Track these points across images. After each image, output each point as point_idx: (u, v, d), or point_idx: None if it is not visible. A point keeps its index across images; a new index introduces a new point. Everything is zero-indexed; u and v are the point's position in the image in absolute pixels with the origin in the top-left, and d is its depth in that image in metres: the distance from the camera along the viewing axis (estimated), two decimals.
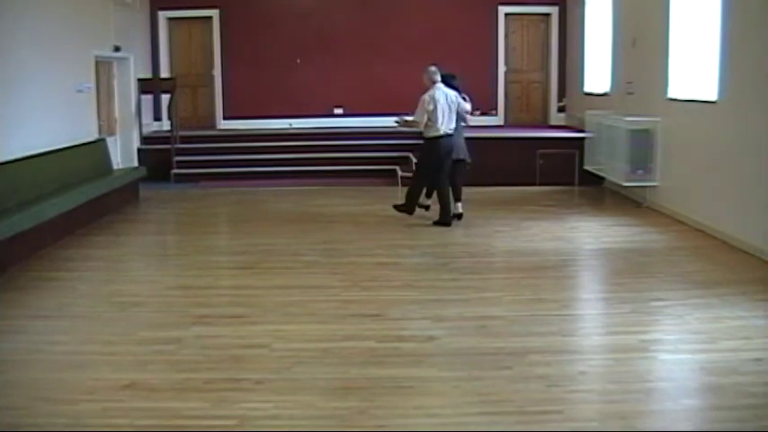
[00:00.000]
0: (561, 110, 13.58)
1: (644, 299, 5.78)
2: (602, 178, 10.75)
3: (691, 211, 8.34)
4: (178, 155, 12.23)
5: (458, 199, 8.81)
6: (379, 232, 8.30)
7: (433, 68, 8.53)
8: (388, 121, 9.15)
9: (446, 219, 8.48)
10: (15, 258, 6.89)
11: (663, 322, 5.35)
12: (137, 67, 12.38)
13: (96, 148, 10.17)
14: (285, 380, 4.37)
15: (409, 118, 8.58)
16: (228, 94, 13.62)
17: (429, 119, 8.36)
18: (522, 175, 11.09)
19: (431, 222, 8.57)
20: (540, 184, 11.04)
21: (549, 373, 4.42)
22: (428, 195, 8.92)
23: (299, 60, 13.44)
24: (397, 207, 8.78)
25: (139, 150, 12.30)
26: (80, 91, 10.01)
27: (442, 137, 8.39)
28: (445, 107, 8.35)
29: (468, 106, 8.75)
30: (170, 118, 12.54)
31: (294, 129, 13.12)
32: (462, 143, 8.83)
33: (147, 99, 12.89)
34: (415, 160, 9.99)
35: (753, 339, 4.91)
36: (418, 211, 8.78)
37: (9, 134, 8.00)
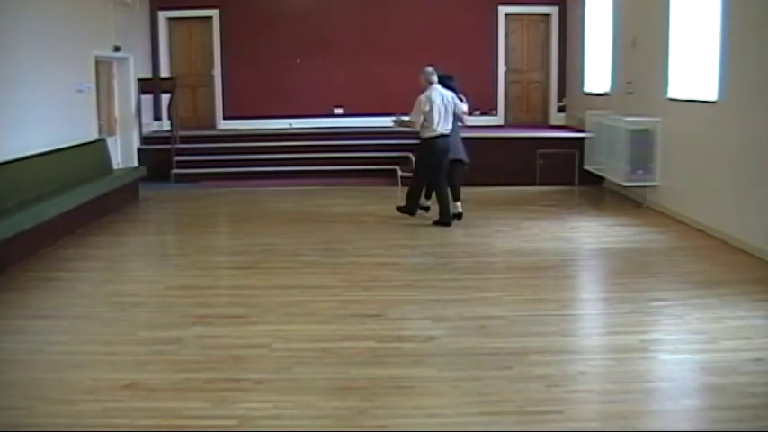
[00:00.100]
0: (561, 110, 13.58)
1: (644, 299, 5.78)
2: (602, 178, 10.75)
3: (691, 211, 8.34)
4: (178, 155, 12.23)
5: (457, 198, 8.81)
6: (379, 232, 8.31)
7: (429, 69, 8.55)
8: (388, 122, 9.16)
9: (446, 219, 8.48)
10: (15, 258, 6.89)
11: (663, 322, 5.35)
12: (137, 67, 12.38)
13: (96, 148, 10.17)
14: (285, 380, 4.37)
15: (406, 118, 8.60)
16: (228, 94, 13.62)
17: (425, 119, 8.38)
18: (522, 175, 11.09)
19: (431, 222, 8.58)
20: (540, 184, 11.04)
21: (549, 373, 4.42)
22: (427, 196, 8.93)
23: (299, 60, 13.44)
24: (399, 209, 8.82)
25: (139, 150, 12.30)
26: (80, 91, 10.01)
27: (438, 137, 8.40)
28: (441, 108, 8.36)
29: (464, 107, 8.76)
30: (170, 118, 12.54)
31: (294, 129, 13.11)
32: (459, 143, 8.84)
33: (147, 99, 12.89)
34: (414, 160, 9.99)
35: (753, 339, 4.91)
36: (418, 211, 8.79)
37: (9, 134, 8.00)
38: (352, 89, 13.37)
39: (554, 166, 11.10)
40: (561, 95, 13.62)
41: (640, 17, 9.88)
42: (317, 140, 12.58)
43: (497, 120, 13.63)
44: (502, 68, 13.70)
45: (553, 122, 13.55)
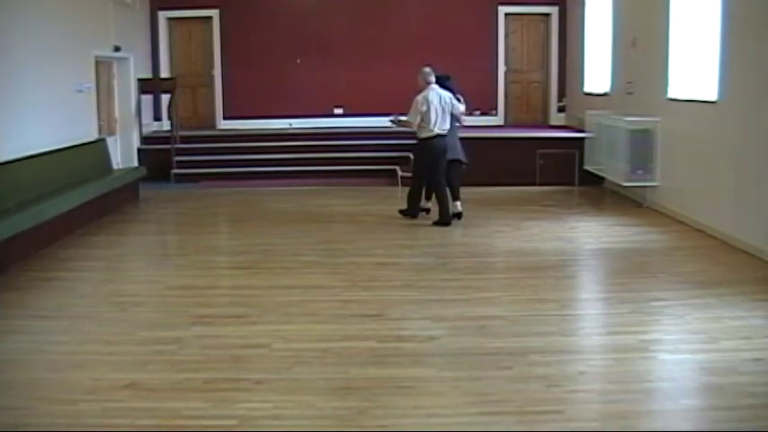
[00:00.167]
0: (561, 110, 13.58)
1: (644, 299, 5.78)
2: (602, 178, 10.75)
3: (691, 211, 8.34)
4: (178, 155, 12.23)
5: (456, 198, 8.82)
6: (379, 232, 8.31)
7: (427, 69, 8.56)
8: (387, 121, 9.17)
9: (446, 218, 8.48)
10: (15, 258, 6.89)
11: (663, 322, 5.35)
12: (137, 67, 12.38)
13: (96, 148, 10.17)
14: (285, 380, 4.37)
15: (404, 118, 8.61)
16: (228, 94, 13.62)
17: (422, 120, 8.39)
18: (522, 175, 11.09)
19: (431, 222, 8.58)
20: (540, 184, 11.04)
21: (549, 373, 4.42)
22: (427, 198, 8.93)
23: (298, 60, 13.44)
24: (401, 212, 8.83)
25: (139, 150, 12.29)
26: (80, 91, 10.01)
27: (434, 137, 8.41)
28: (438, 108, 8.37)
29: (462, 107, 8.77)
30: (170, 118, 12.54)
31: (294, 129, 13.11)
32: (457, 143, 8.84)
33: (147, 99, 12.89)
34: (413, 161, 10.00)
35: (753, 339, 4.91)
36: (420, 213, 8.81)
37: (9, 134, 8.00)
38: (352, 89, 13.36)
39: (554, 166, 11.10)
40: (561, 95, 13.62)
41: (640, 17, 9.88)
42: (317, 140, 12.58)
43: (497, 120, 13.63)
44: (502, 68, 13.70)
45: (553, 122, 13.55)
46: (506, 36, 13.68)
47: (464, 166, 8.93)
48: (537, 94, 13.90)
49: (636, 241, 7.85)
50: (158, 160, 11.95)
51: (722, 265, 6.78)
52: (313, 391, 4.21)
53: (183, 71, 13.54)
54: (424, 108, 8.34)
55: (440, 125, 8.41)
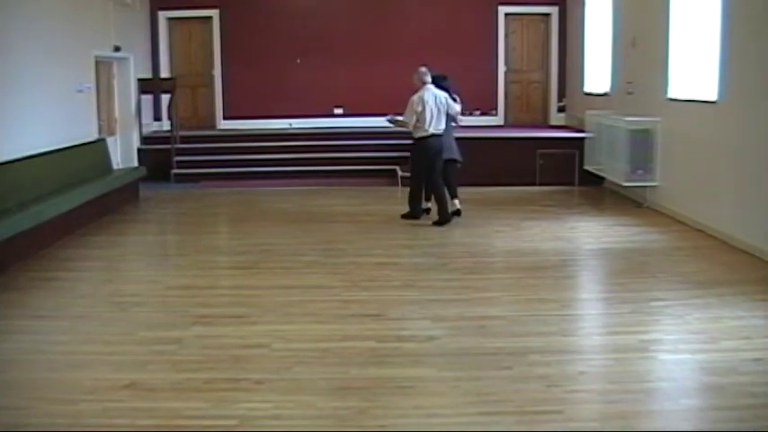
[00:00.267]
0: (561, 110, 13.58)
1: (644, 299, 5.78)
2: (602, 178, 10.75)
3: (691, 211, 8.34)
4: (178, 155, 12.23)
5: (454, 196, 8.84)
6: (379, 232, 8.31)
7: (423, 69, 8.57)
8: (383, 121, 9.18)
9: (445, 217, 8.49)
10: (15, 258, 6.89)
11: (663, 322, 5.35)
12: (137, 67, 12.38)
13: (96, 148, 10.17)
14: (285, 380, 4.37)
15: (400, 118, 8.62)
16: (228, 94, 13.62)
17: (417, 120, 8.40)
18: (522, 175, 11.08)
19: (431, 222, 8.58)
20: (540, 184, 11.04)
21: (549, 373, 4.42)
22: (427, 198, 8.94)
23: (299, 60, 13.44)
24: (404, 216, 8.81)
25: (139, 150, 12.29)
26: (80, 91, 10.01)
27: (430, 137, 8.42)
28: (434, 108, 8.38)
29: (458, 107, 8.78)
30: (170, 118, 12.54)
31: (294, 129, 13.11)
32: (453, 143, 8.86)
33: (147, 99, 12.89)
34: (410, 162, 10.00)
35: (753, 339, 4.91)
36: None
37: (9, 134, 8.00)
38: (351, 89, 13.36)
39: (554, 166, 11.10)
40: (561, 95, 13.61)
41: (640, 17, 9.88)
42: (317, 140, 12.58)
43: (497, 120, 13.63)
44: (502, 68, 13.70)
45: (553, 122, 13.55)
46: (506, 36, 13.68)
47: (459, 165, 8.94)
48: (537, 94, 13.90)
49: (636, 241, 7.85)
50: (158, 160, 11.95)
51: (722, 265, 6.78)
52: (313, 391, 4.21)
53: (182, 71, 13.54)
54: (420, 108, 8.35)
55: (435, 125, 8.42)
